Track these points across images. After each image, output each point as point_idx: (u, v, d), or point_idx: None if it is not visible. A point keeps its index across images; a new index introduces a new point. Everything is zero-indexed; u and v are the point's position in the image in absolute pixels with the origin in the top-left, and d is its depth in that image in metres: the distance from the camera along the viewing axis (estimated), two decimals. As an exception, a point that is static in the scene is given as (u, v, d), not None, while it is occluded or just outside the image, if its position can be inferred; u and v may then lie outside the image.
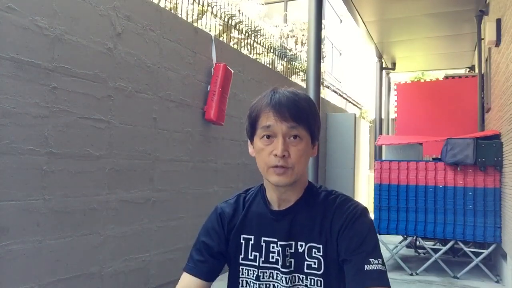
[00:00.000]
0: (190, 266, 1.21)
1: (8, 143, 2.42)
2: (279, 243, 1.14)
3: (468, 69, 9.73)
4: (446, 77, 8.10)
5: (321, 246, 1.11)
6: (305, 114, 1.09)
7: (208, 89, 4.26)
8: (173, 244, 3.80)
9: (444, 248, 4.85)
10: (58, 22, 2.72)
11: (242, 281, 1.19)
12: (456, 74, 8.66)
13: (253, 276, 1.17)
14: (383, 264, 1.06)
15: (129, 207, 3.30)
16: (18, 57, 2.47)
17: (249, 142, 1.19)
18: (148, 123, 3.52)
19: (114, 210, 3.16)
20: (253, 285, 1.16)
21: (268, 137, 1.09)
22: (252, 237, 1.18)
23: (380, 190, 4.93)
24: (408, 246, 5.82)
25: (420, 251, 5.88)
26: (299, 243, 1.13)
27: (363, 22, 7.29)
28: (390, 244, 5.22)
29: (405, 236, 5.26)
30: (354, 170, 8.17)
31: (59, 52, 2.72)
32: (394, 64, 9.69)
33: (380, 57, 9.15)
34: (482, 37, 6.09)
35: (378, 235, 4.82)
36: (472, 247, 5.14)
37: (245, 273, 1.18)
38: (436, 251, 4.96)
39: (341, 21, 15.68)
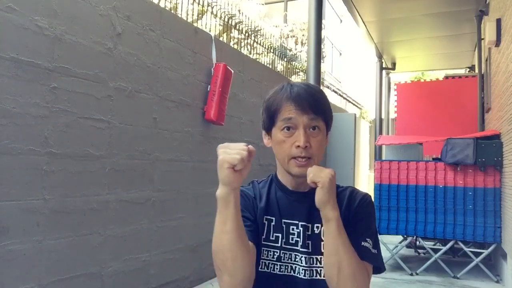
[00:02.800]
0: None
1: (8, 143, 2.42)
2: (300, 223, 1.18)
3: (468, 69, 9.73)
4: (446, 77, 8.10)
5: None
6: (323, 106, 1.17)
7: (208, 89, 4.26)
8: (173, 244, 3.80)
9: (444, 248, 4.85)
10: (58, 22, 2.72)
11: (262, 262, 1.18)
12: (456, 74, 8.66)
13: (273, 257, 1.18)
14: (376, 248, 1.16)
15: (129, 207, 3.30)
16: (18, 57, 2.47)
17: (263, 133, 1.24)
18: (148, 123, 3.52)
19: (114, 210, 3.16)
20: (273, 266, 1.17)
21: (289, 129, 1.14)
22: (274, 218, 1.20)
23: (380, 190, 4.93)
24: (408, 246, 5.82)
25: (420, 251, 5.88)
26: (316, 225, 1.18)
27: (363, 22, 7.29)
28: (390, 244, 5.22)
29: (405, 236, 5.26)
30: (354, 170, 8.17)
31: (59, 52, 2.72)
32: (394, 64, 9.69)
33: (380, 57, 9.15)
34: (482, 37, 6.09)
35: (378, 235, 4.85)
36: (472, 247, 5.14)
37: (265, 254, 1.19)
38: (436, 251, 4.96)
39: (341, 21, 15.66)
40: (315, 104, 1.14)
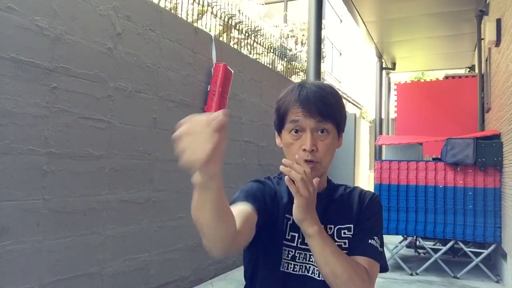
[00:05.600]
0: (241, 196, 1.11)
1: (8, 143, 2.42)
2: None
3: (468, 69, 9.73)
4: (446, 77, 8.10)
5: (352, 225, 1.19)
6: (332, 109, 1.14)
7: (208, 89, 4.26)
8: (173, 244, 3.80)
9: (444, 248, 4.85)
10: (58, 22, 2.72)
11: (283, 261, 1.18)
12: (456, 74, 8.66)
13: (288, 256, 1.17)
14: (382, 247, 1.18)
15: (129, 207, 3.30)
16: (18, 57, 2.47)
17: (276, 133, 1.23)
18: (148, 123, 3.52)
19: (114, 210, 3.16)
20: (287, 265, 1.17)
21: (296, 131, 1.13)
22: (291, 217, 1.17)
23: (380, 190, 4.93)
24: (408, 246, 5.82)
25: (420, 251, 5.88)
26: (328, 226, 1.19)
27: (363, 22, 7.29)
28: (390, 244, 5.22)
29: (405, 236, 5.26)
30: (354, 170, 8.17)
31: (59, 52, 2.72)
32: (394, 64, 9.69)
33: (380, 57, 9.14)
34: (482, 37, 6.09)
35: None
36: (472, 247, 5.14)
37: (284, 254, 1.18)
38: (436, 251, 4.96)
39: (341, 21, 15.66)
40: (323, 107, 1.11)
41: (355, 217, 1.19)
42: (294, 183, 1.01)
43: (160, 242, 3.64)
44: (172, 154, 4.01)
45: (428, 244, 5.60)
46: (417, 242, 5.80)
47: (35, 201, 2.56)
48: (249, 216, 1.07)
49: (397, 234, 4.94)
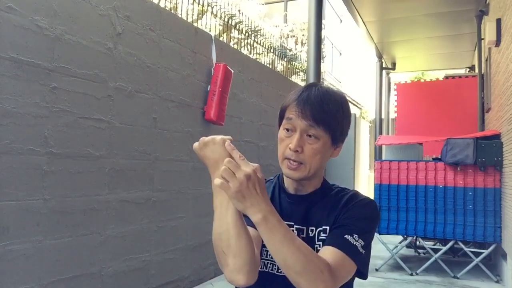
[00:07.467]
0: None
1: (8, 143, 2.42)
2: (295, 226, 1.17)
3: (468, 69, 9.72)
4: (446, 77, 8.10)
5: (328, 227, 1.14)
6: (328, 117, 1.12)
7: (208, 89, 4.26)
8: (173, 244, 3.80)
9: (444, 248, 4.85)
10: (58, 22, 2.72)
11: (261, 262, 1.17)
12: (456, 74, 8.66)
13: (272, 257, 1.14)
14: (364, 250, 1.07)
15: (129, 207, 3.30)
16: (18, 57, 2.47)
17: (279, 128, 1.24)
18: (148, 123, 3.52)
19: (114, 210, 3.16)
20: (271, 266, 1.17)
21: (288, 129, 1.14)
22: None
23: (380, 190, 4.93)
24: (408, 246, 5.82)
25: (420, 251, 5.88)
26: (310, 228, 1.17)
27: (363, 22, 7.29)
28: (390, 244, 5.22)
29: (405, 236, 5.26)
30: (354, 170, 8.17)
31: (59, 52, 2.72)
32: (394, 64, 9.69)
33: (380, 57, 9.14)
34: (482, 37, 6.09)
35: (378, 234, 4.85)
36: (472, 247, 5.14)
37: (264, 254, 1.18)
38: (436, 251, 4.96)
39: (341, 21, 15.65)
40: (318, 112, 1.10)
41: (333, 218, 1.13)
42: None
43: (160, 242, 3.64)
44: (172, 154, 4.02)
45: (428, 244, 5.60)
46: (417, 242, 5.80)
47: (35, 201, 2.56)
48: (258, 240, 1.10)
49: (397, 234, 4.94)
